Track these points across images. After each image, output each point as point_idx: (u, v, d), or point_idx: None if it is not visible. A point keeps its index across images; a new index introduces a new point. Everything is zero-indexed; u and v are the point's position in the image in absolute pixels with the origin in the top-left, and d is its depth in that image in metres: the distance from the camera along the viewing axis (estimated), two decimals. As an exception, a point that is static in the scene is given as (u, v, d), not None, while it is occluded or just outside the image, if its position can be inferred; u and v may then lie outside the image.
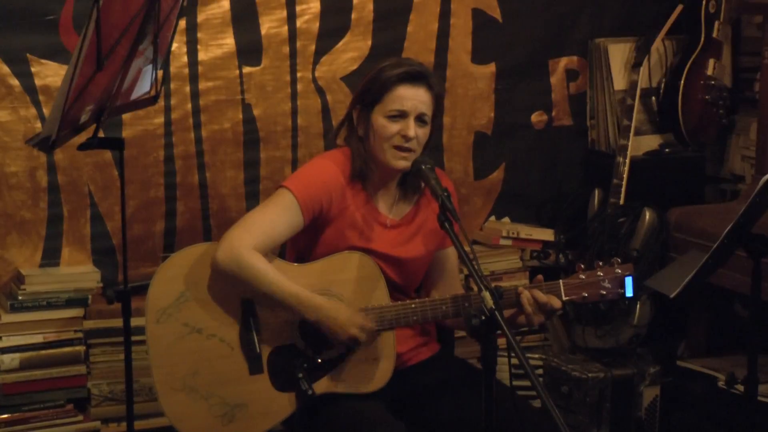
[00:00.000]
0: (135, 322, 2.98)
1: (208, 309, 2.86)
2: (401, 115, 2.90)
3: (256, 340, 2.87)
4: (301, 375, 2.83)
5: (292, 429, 2.98)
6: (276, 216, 2.89)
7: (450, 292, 3.04)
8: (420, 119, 2.92)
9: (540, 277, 2.93)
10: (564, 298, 2.90)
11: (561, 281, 2.91)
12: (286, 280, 2.84)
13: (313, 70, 3.98)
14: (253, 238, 2.83)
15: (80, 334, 3.61)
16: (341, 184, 2.94)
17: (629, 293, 2.93)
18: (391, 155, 2.91)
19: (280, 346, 2.88)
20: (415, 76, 2.91)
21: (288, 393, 2.87)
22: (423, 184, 2.96)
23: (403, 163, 2.92)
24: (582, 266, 2.94)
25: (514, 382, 3.83)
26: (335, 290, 2.90)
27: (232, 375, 2.86)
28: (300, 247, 3.02)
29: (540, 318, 2.87)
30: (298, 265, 2.94)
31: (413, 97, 2.90)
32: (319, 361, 2.86)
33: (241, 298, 2.88)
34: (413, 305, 2.89)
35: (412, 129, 2.89)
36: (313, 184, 2.92)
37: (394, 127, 2.90)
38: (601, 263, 2.94)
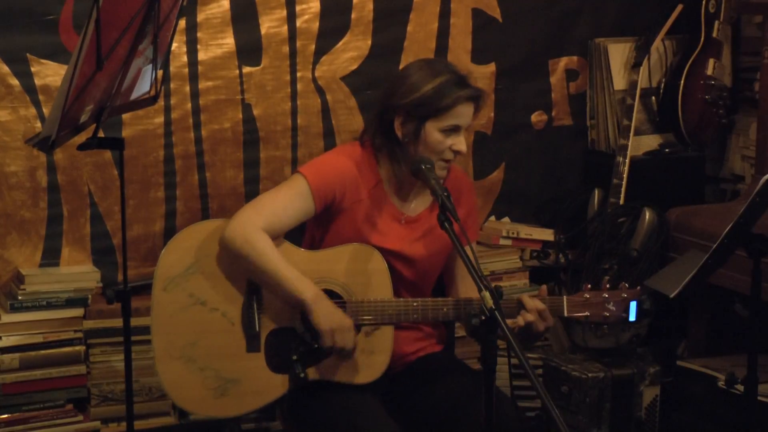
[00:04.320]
0: (135, 322, 3.00)
1: (215, 283, 2.90)
2: (455, 130, 2.92)
3: (256, 319, 2.89)
4: (295, 357, 2.86)
5: (285, 416, 3.00)
6: (288, 200, 2.91)
7: (468, 290, 3.03)
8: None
9: (544, 287, 2.94)
10: (566, 315, 2.92)
11: (565, 297, 2.93)
12: (287, 264, 2.86)
13: (313, 69, 3.98)
14: (262, 219, 2.86)
15: (80, 334, 3.61)
16: (355, 176, 2.96)
17: (632, 318, 2.95)
18: (437, 166, 2.93)
19: (279, 328, 2.91)
20: (477, 98, 2.94)
21: (281, 375, 2.89)
22: (441, 181, 2.95)
23: (444, 172, 2.96)
24: (589, 286, 2.96)
25: (514, 382, 3.83)
26: (333, 278, 2.92)
27: (229, 350, 2.89)
28: (315, 235, 3.04)
29: (540, 327, 2.85)
30: (306, 250, 2.97)
31: (467, 114, 2.94)
32: (316, 346, 2.87)
33: (248, 278, 2.91)
34: (415, 303, 2.91)
35: (464, 143, 2.94)
36: (327, 172, 2.94)
37: (447, 141, 2.92)
38: (608, 285, 2.95)
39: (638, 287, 3.00)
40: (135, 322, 2.99)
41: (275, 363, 2.90)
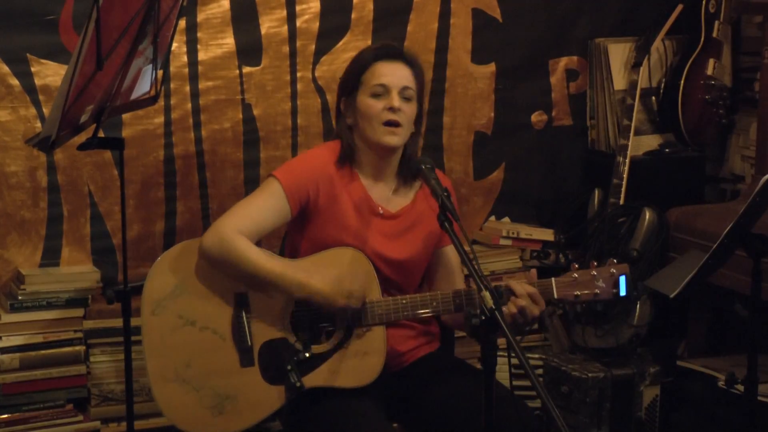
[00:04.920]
0: (135, 322, 2.99)
1: (202, 301, 2.89)
2: (385, 91, 2.94)
3: (247, 333, 2.89)
4: (290, 368, 2.85)
5: (287, 424, 2.99)
6: (262, 202, 2.92)
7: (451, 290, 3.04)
8: (404, 94, 2.96)
9: (533, 270, 2.93)
10: (555, 297, 2.90)
11: (553, 279, 2.92)
12: (270, 260, 2.87)
13: (313, 69, 3.98)
14: (238, 222, 2.87)
15: (80, 334, 3.61)
16: (329, 172, 2.97)
17: (623, 292, 2.93)
18: (381, 132, 2.94)
19: (271, 340, 2.90)
20: (390, 52, 2.98)
21: (277, 386, 2.89)
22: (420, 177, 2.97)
23: (394, 138, 2.95)
24: (576, 266, 2.94)
25: (514, 382, 3.83)
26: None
27: (223, 367, 2.88)
28: (295, 242, 3.03)
29: (534, 311, 2.84)
30: (290, 259, 2.97)
31: (393, 72, 2.96)
32: (309, 355, 2.87)
33: (235, 292, 2.90)
34: (404, 301, 2.90)
35: (397, 100, 2.93)
36: (299, 171, 2.96)
37: (379, 104, 2.94)
38: (596, 263, 2.94)
39: (628, 263, 3.00)
40: (135, 322, 2.99)
41: (270, 375, 2.89)
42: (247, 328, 2.89)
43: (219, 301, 2.90)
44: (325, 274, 2.87)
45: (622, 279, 2.92)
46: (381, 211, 3.02)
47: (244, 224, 2.87)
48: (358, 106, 2.96)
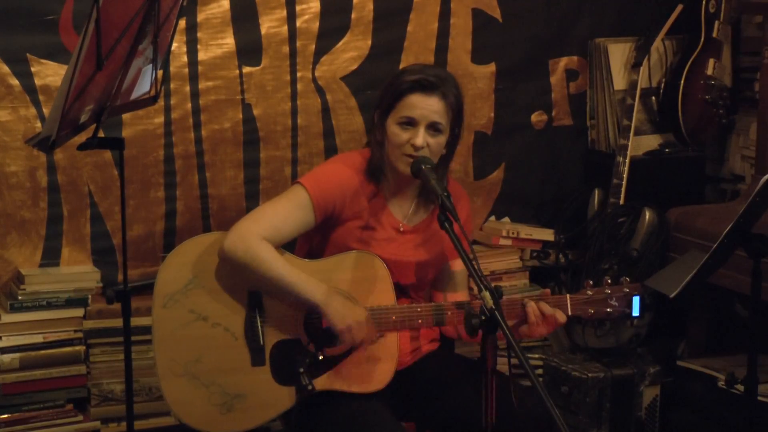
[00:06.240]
0: (135, 322, 2.99)
1: (215, 297, 2.88)
2: (411, 123, 2.90)
3: (260, 332, 2.88)
4: (302, 370, 2.84)
5: (291, 425, 2.99)
6: (288, 212, 2.90)
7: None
8: (432, 128, 2.91)
9: (547, 290, 2.95)
10: (569, 313, 2.91)
11: (568, 296, 2.94)
12: (293, 269, 2.85)
13: (313, 69, 3.98)
14: (262, 229, 2.86)
15: (80, 334, 3.61)
16: (356, 187, 2.96)
17: (635, 313, 2.95)
18: (401, 161, 2.92)
19: (283, 340, 2.89)
20: (427, 84, 2.90)
21: (288, 387, 2.87)
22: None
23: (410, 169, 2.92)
24: (590, 283, 2.96)
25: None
26: (341, 288, 2.91)
27: (234, 365, 2.87)
28: (312, 243, 3.03)
29: (542, 330, 2.87)
30: (306, 260, 2.96)
31: (424, 106, 2.89)
32: (321, 357, 2.86)
33: (249, 290, 2.89)
34: (419, 309, 2.90)
35: (421, 138, 2.89)
36: (328, 184, 2.94)
37: (404, 135, 2.90)
38: (609, 281, 2.95)
39: (638, 283, 3.02)
40: (135, 322, 2.99)
41: (281, 376, 2.88)
42: (260, 327, 2.88)
43: (233, 298, 2.89)
44: (342, 297, 2.88)
45: (636, 300, 2.94)
46: (401, 228, 3.02)
47: (268, 232, 2.85)
48: (387, 129, 2.93)
